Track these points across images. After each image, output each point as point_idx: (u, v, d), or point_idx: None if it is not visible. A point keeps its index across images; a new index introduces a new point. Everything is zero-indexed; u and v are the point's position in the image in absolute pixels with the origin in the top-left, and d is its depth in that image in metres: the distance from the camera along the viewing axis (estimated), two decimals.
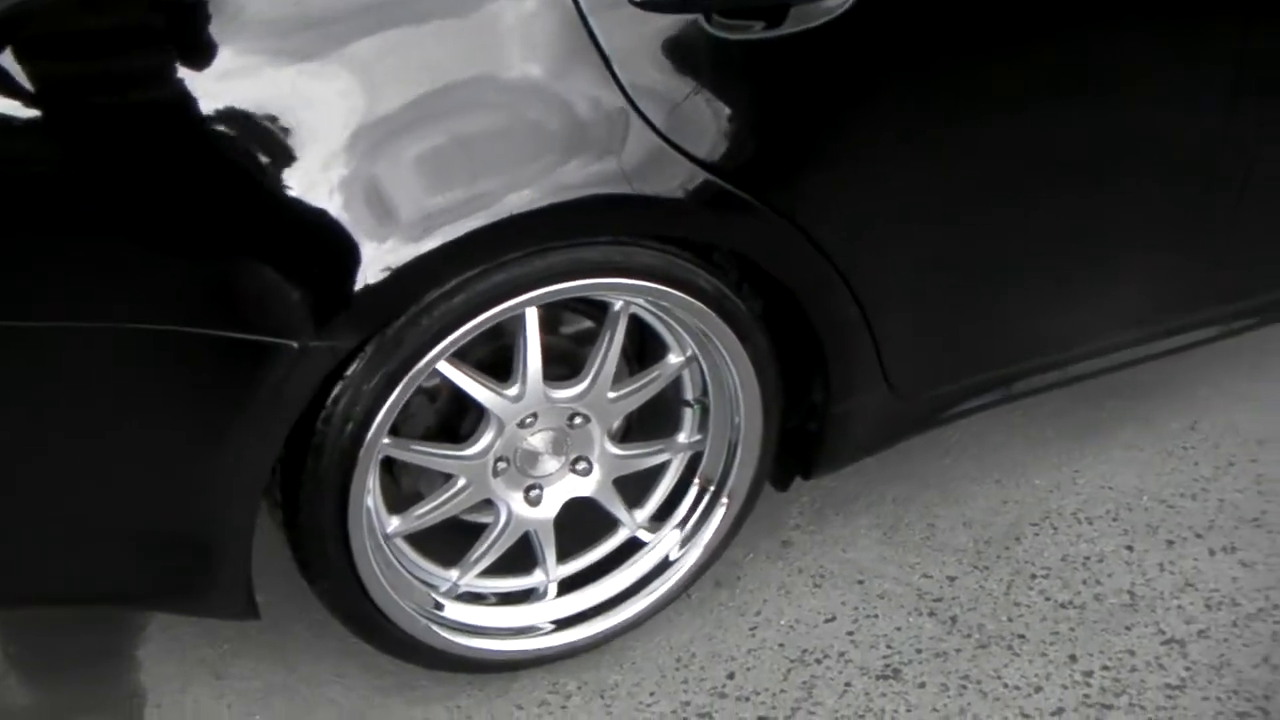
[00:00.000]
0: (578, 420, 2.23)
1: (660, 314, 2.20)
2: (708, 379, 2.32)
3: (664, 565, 2.46)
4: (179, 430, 1.94)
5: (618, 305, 2.15)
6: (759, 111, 2.02)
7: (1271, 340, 3.10)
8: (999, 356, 2.56)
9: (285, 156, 1.78)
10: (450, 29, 1.84)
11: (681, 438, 2.42)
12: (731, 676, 2.41)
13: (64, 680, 2.44)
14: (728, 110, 1.98)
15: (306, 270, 1.85)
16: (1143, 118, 2.35)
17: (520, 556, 2.36)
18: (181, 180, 1.79)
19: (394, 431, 2.09)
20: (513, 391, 2.14)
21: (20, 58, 1.67)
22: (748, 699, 2.37)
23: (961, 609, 2.53)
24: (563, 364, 2.22)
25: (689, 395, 2.39)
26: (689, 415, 2.41)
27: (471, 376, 2.11)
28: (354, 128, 1.80)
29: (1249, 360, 3.14)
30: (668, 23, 1.90)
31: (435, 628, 2.28)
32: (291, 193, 1.79)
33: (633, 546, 2.45)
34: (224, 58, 1.74)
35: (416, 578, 2.29)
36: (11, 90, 1.68)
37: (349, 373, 1.94)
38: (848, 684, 2.39)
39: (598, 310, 2.20)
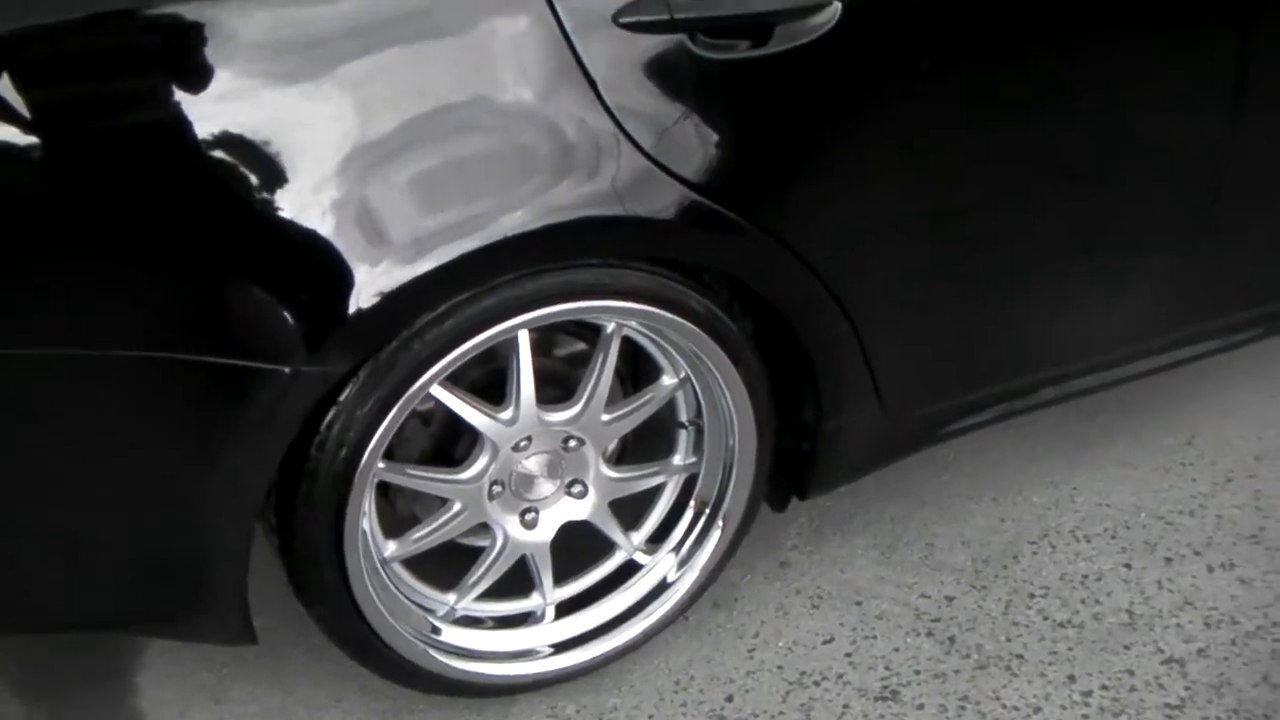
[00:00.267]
0: (572, 443, 2.24)
1: (653, 335, 2.21)
2: (701, 400, 2.33)
3: (661, 587, 2.46)
4: (173, 456, 1.94)
5: (610, 327, 2.15)
6: (746, 131, 2.03)
7: (1266, 354, 3.10)
8: (993, 374, 2.56)
9: (277, 180, 1.79)
10: (439, 53, 1.85)
11: (676, 459, 2.42)
12: (730, 699, 2.41)
13: (65, 705, 2.44)
14: (714, 130, 1.98)
15: (298, 295, 1.85)
16: (1137, 130, 2.35)
17: (517, 580, 2.36)
18: (175, 204, 1.79)
19: (389, 456, 2.09)
20: (506, 415, 2.15)
21: (17, 81, 1.68)
22: None
23: (960, 629, 2.53)
24: (556, 386, 2.22)
25: (683, 417, 2.39)
26: (684, 437, 2.41)
27: (465, 400, 2.11)
28: (345, 152, 1.80)
29: (1242, 374, 3.14)
30: (653, 43, 1.91)
31: (433, 652, 2.28)
32: (283, 217, 1.80)
33: (630, 569, 2.45)
34: (218, 81, 1.75)
35: (413, 602, 2.29)
36: (7, 114, 1.69)
37: (342, 397, 1.95)
38: (846, 706, 2.39)
39: (591, 333, 2.21)
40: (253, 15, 1.76)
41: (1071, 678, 2.43)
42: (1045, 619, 2.55)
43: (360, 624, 2.18)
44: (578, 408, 2.20)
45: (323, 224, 1.81)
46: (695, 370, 2.26)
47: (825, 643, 2.52)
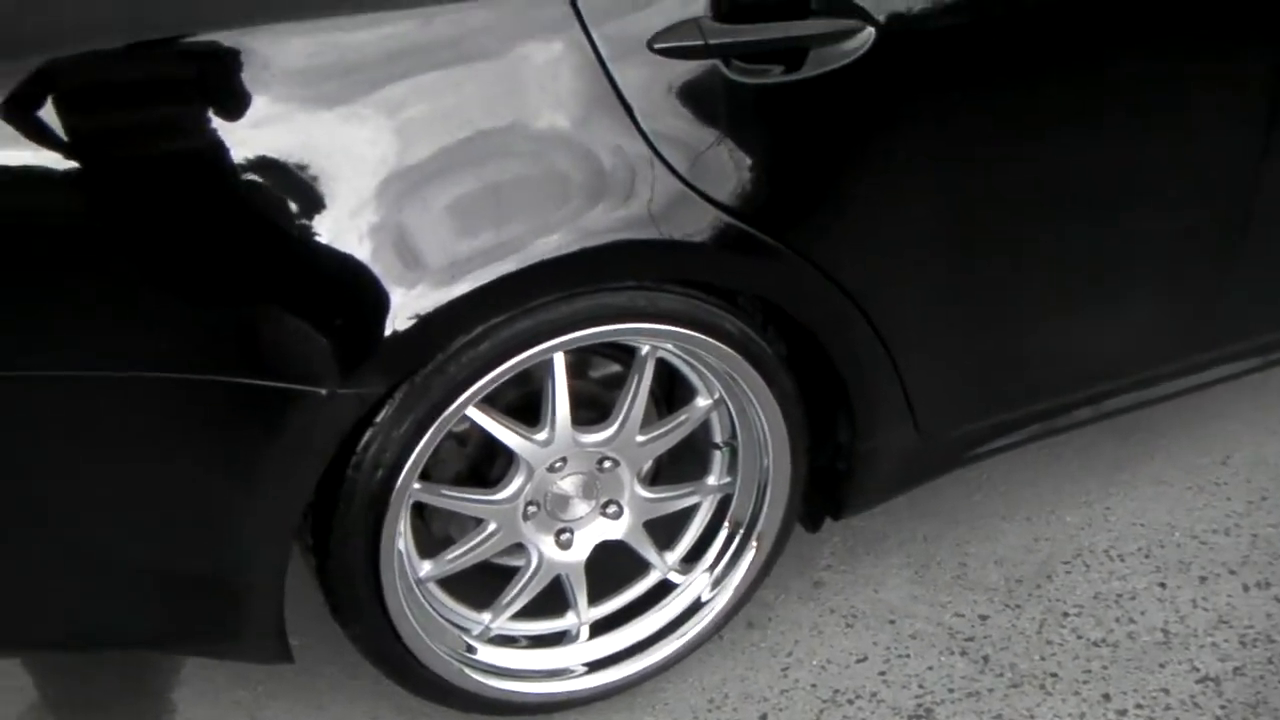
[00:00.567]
0: (607, 464, 2.25)
1: (687, 357, 2.22)
2: (735, 421, 2.33)
3: (696, 607, 2.46)
4: (211, 476, 1.96)
5: (645, 349, 2.16)
6: (779, 155, 2.04)
7: None
8: (1028, 394, 2.56)
9: (315, 204, 1.80)
10: (476, 78, 1.85)
11: (711, 480, 2.43)
12: (764, 717, 2.42)
13: None
14: (748, 154, 1.99)
15: (334, 317, 1.86)
16: (1170, 152, 2.35)
17: (552, 599, 2.37)
18: (212, 229, 1.81)
19: (424, 476, 2.11)
20: (542, 436, 2.16)
21: (60, 107, 1.70)
22: None
23: (994, 648, 2.53)
24: (591, 408, 2.23)
25: (717, 438, 2.40)
26: (718, 458, 2.42)
27: (500, 422, 2.12)
28: (382, 175, 1.81)
29: (1276, 391, 3.13)
30: (687, 69, 1.92)
31: (468, 670, 2.29)
32: (320, 240, 1.81)
33: (664, 588, 2.46)
34: (255, 107, 1.76)
35: (448, 620, 2.31)
36: (49, 140, 1.70)
37: (378, 419, 1.96)
38: None
39: (625, 354, 2.22)
40: (290, 41, 1.78)
41: (1106, 696, 2.42)
42: (1079, 638, 2.54)
43: (396, 643, 2.19)
44: (613, 429, 2.21)
45: (359, 247, 1.82)
46: (729, 391, 2.26)
47: (859, 661, 2.52)
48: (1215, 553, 2.73)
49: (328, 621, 2.20)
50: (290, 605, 2.11)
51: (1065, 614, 2.60)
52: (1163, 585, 2.65)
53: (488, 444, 2.19)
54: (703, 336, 2.12)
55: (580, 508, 2.28)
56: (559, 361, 2.09)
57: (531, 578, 2.31)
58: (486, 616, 2.33)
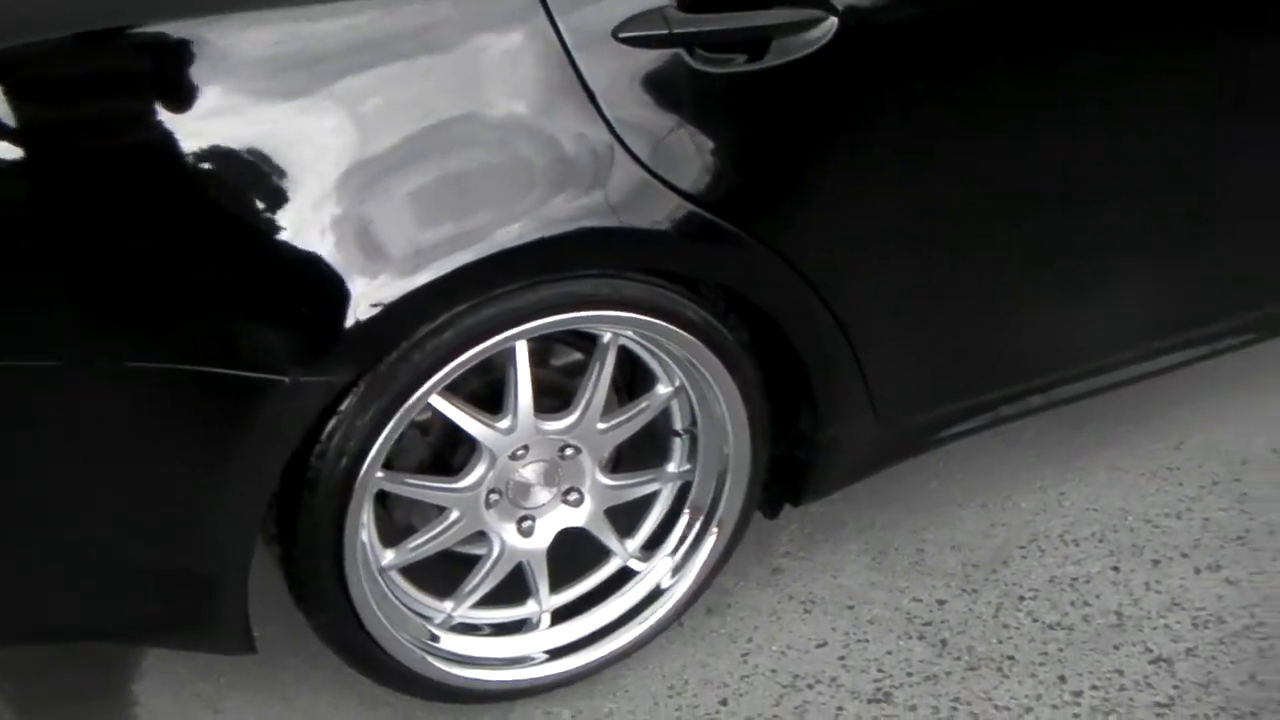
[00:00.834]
0: (569, 451, 2.26)
1: (649, 345, 2.22)
2: (696, 409, 2.34)
3: (656, 594, 2.47)
4: (175, 466, 1.95)
5: (606, 337, 2.17)
6: (742, 143, 2.05)
7: (1254, 359, 3.13)
8: (984, 381, 2.59)
9: (278, 194, 1.80)
10: (437, 67, 1.86)
11: (671, 467, 2.44)
12: (724, 703, 2.43)
13: (60, 717, 2.44)
14: (711, 143, 2.01)
15: (298, 307, 1.87)
16: (1125, 142, 2.38)
17: (514, 587, 2.37)
18: (174, 219, 1.80)
19: (388, 465, 2.11)
20: (504, 424, 2.16)
21: (10, 101, 1.69)
22: None
23: (951, 632, 2.55)
24: (553, 396, 2.24)
25: (678, 425, 2.40)
26: (678, 445, 2.43)
27: (463, 410, 2.13)
28: (346, 165, 1.82)
29: (1231, 379, 3.17)
30: (651, 57, 1.93)
31: (431, 659, 2.30)
32: (283, 229, 1.81)
33: (625, 576, 2.47)
34: (213, 98, 1.76)
35: (411, 609, 2.31)
36: (3, 133, 1.70)
37: (342, 408, 1.96)
38: (840, 709, 2.41)
39: (587, 342, 2.22)
40: (250, 32, 1.77)
41: (1062, 678, 2.45)
42: (1035, 621, 2.57)
43: (359, 632, 2.19)
44: (574, 417, 2.22)
45: (323, 236, 1.82)
46: (691, 379, 2.27)
47: (818, 647, 2.54)
48: (1168, 537, 2.76)
49: (289, 612, 2.19)
50: (252, 596, 2.10)
51: (1021, 598, 2.62)
52: (1116, 569, 2.68)
53: (450, 432, 2.19)
54: (665, 324, 2.13)
55: (542, 495, 2.29)
56: (522, 350, 2.10)
57: (494, 565, 2.31)
58: (449, 605, 2.34)
